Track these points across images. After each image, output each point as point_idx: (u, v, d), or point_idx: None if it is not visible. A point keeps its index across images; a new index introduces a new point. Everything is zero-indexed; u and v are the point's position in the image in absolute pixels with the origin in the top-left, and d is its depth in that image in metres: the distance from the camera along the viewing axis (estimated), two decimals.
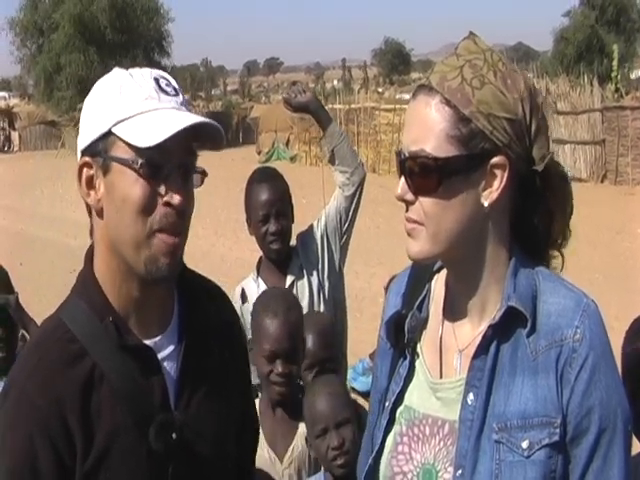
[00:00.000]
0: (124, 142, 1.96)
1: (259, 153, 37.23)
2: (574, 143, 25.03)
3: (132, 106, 1.98)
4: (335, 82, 79.00)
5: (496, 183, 1.89)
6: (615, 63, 28.85)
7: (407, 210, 1.95)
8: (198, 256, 16.76)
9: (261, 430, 2.83)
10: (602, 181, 24.84)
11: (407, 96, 36.96)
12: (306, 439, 3.37)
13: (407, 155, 1.91)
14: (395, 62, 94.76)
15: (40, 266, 16.48)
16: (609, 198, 21.43)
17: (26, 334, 4.91)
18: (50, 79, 46.51)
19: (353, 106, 32.58)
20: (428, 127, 1.88)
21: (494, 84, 1.88)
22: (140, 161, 1.94)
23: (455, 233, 1.91)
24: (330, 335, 3.89)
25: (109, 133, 1.98)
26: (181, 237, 2.03)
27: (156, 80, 2.03)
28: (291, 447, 3.47)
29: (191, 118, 1.97)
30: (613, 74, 28.30)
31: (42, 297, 12.85)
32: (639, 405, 2.22)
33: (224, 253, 17.70)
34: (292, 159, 34.94)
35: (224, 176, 25.96)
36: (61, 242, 18.77)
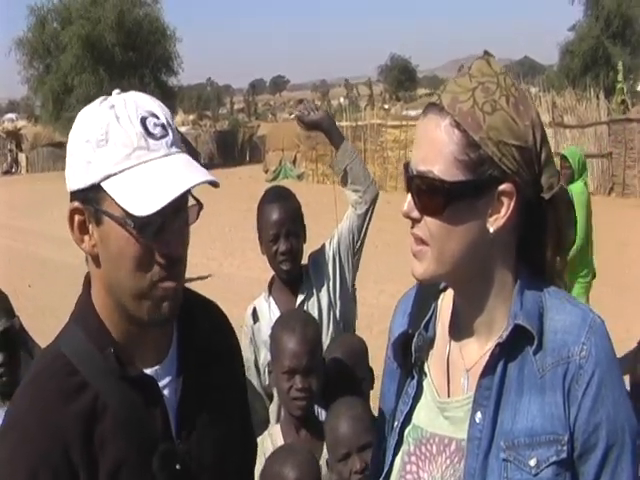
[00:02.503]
0: (114, 200, 1.89)
1: (266, 171, 37.31)
2: None
3: (119, 160, 1.89)
4: (341, 99, 79.00)
5: (503, 210, 1.88)
6: (621, 76, 28.84)
7: (412, 226, 1.94)
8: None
9: None
10: (609, 194, 24.81)
11: (413, 112, 37.00)
12: (326, 461, 3.35)
13: (415, 173, 1.91)
14: (401, 78, 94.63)
15: (50, 287, 16.50)
16: (616, 211, 21.37)
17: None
18: (58, 100, 46.58)
19: (360, 123, 32.59)
20: (437, 149, 1.87)
21: (506, 110, 1.86)
22: (132, 223, 1.90)
23: (459, 256, 1.90)
24: (361, 357, 3.92)
25: (99, 186, 1.91)
26: (180, 280, 2.01)
27: (143, 121, 1.93)
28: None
29: (184, 179, 1.90)
30: (619, 86, 28.27)
31: (52, 318, 12.87)
32: None
33: (232, 272, 17.70)
34: (299, 177, 34.97)
35: (231, 195, 25.99)
36: (71, 263, 18.70)
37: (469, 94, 1.87)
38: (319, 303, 4.24)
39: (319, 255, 4.34)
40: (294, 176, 35.23)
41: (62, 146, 47.28)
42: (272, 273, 4.35)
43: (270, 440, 3.55)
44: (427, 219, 1.90)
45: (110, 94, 2.03)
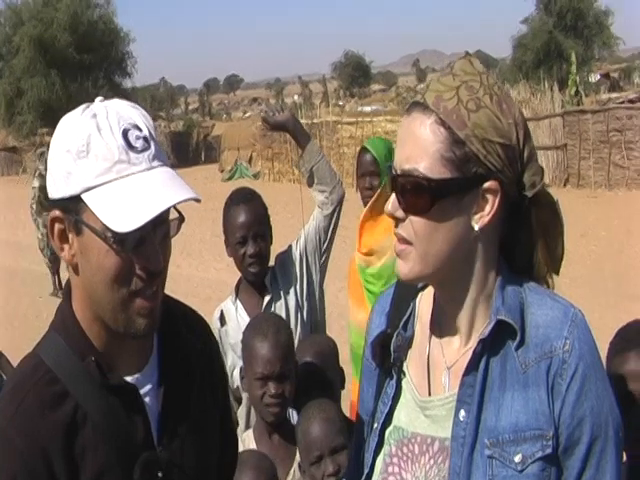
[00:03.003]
0: (94, 213, 1.86)
1: (222, 171, 37.18)
2: (536, 148, 25.12)
3: (100, 173, 1.85)
4: (295, 97, 79.05)
5: (487, 208, 1.88)
6: (574, 67, 29.08)
7: (396, 226, 1.93)
8: None
9: None
10: (565, 185, 24.98)
11: (368, 108, 37.05)
12: (299, 465, 3.32)
13: (399, 172, 1.90)
14: (355, 75, 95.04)
15: (5, 294, 16.34)
16: (572, 202, 21.48)
17: None
18: (11, 104, 46.15)
19: (315, 121, 32.56)
20: (422, 147, 1.86)
21: (490, 108, 1.87)
22: (112, 236, 1.86)
23: (444, 254, 1.89)
24: (329, 358, 3.88)
25: (79, 198, 1.87)
26: (158, 297, 1.99)
27: (125, 133, 1.88)
28: (291, 471, 3.43)
29: (165, 196, 1.87)
30: (572, 78, 28.49)
31: (8, 325, 12.76)
32: (623, 415, 2.20)
33: (190, 273, 17.58)
34: (255, 176, 34.88)
35: None
36: (26, 269, 18.63)
37: (453, 92, 1.88)
38: (286, 305, 4.22)
39: (286, 256, 4.32)
40: (250, 175, 35.14)
41: (15, 151, 46.97)
42: (232, 275, 4.30)
43: (242, 446, 3.50)
44: (412, 218, 1.89)
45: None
